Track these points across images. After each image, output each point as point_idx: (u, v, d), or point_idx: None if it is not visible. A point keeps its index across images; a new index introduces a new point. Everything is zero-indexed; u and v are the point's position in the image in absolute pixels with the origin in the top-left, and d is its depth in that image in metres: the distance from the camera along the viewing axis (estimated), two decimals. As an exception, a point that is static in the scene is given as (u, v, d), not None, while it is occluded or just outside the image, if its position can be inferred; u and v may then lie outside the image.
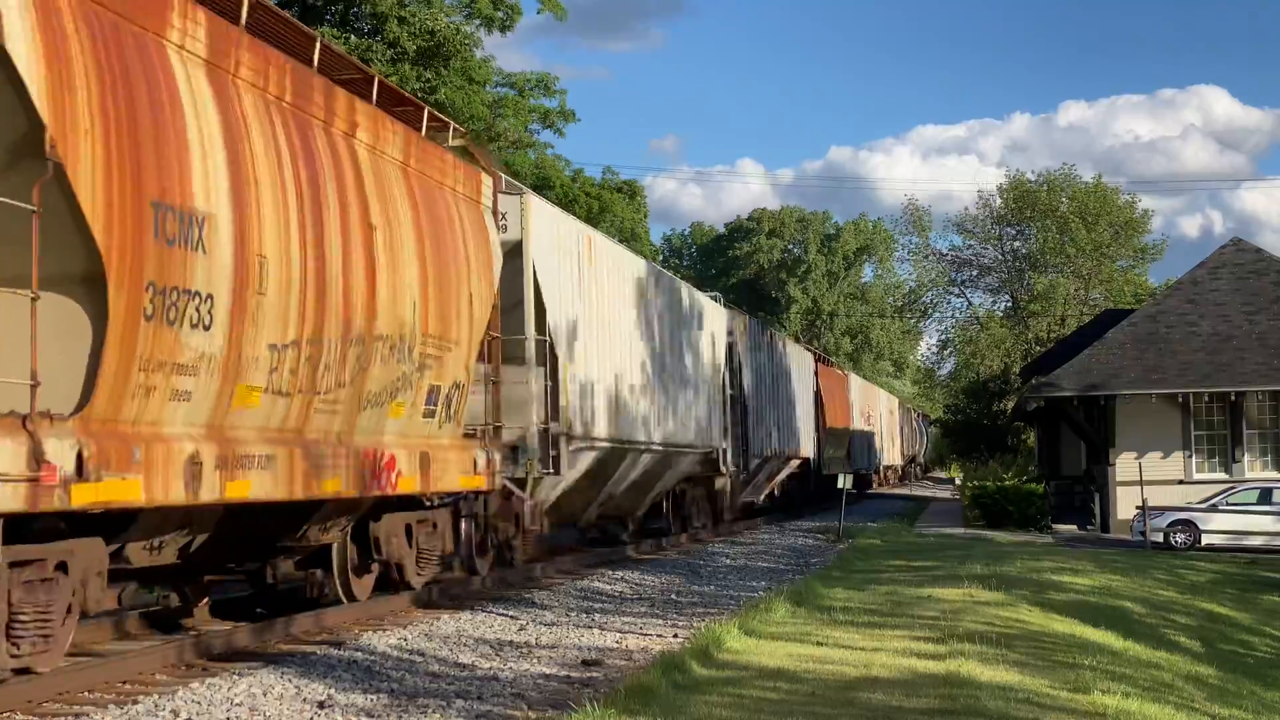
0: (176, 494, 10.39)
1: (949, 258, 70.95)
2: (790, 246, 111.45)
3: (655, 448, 24.45)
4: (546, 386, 18.79)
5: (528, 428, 18.30)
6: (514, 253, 18.28)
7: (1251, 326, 36.32)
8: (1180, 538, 30.94)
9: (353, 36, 35.71)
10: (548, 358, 18.93)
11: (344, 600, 14.98)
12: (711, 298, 32.02)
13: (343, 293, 12.87)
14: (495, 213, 17.37)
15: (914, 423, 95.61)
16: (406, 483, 14.44)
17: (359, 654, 12.41)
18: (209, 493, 10.81)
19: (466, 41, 37.57)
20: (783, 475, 40.95)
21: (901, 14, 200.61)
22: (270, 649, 12.70)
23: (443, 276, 15.05)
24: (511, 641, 13.74)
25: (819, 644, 13.16)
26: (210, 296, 10.70)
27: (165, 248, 10.12)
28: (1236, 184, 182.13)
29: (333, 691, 10.74)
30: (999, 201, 67.58)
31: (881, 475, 72.57)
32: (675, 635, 14.46)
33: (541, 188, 36.67)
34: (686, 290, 29.00)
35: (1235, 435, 35.34)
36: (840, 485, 33.52)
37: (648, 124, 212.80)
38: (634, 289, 24.09)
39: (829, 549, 28.13)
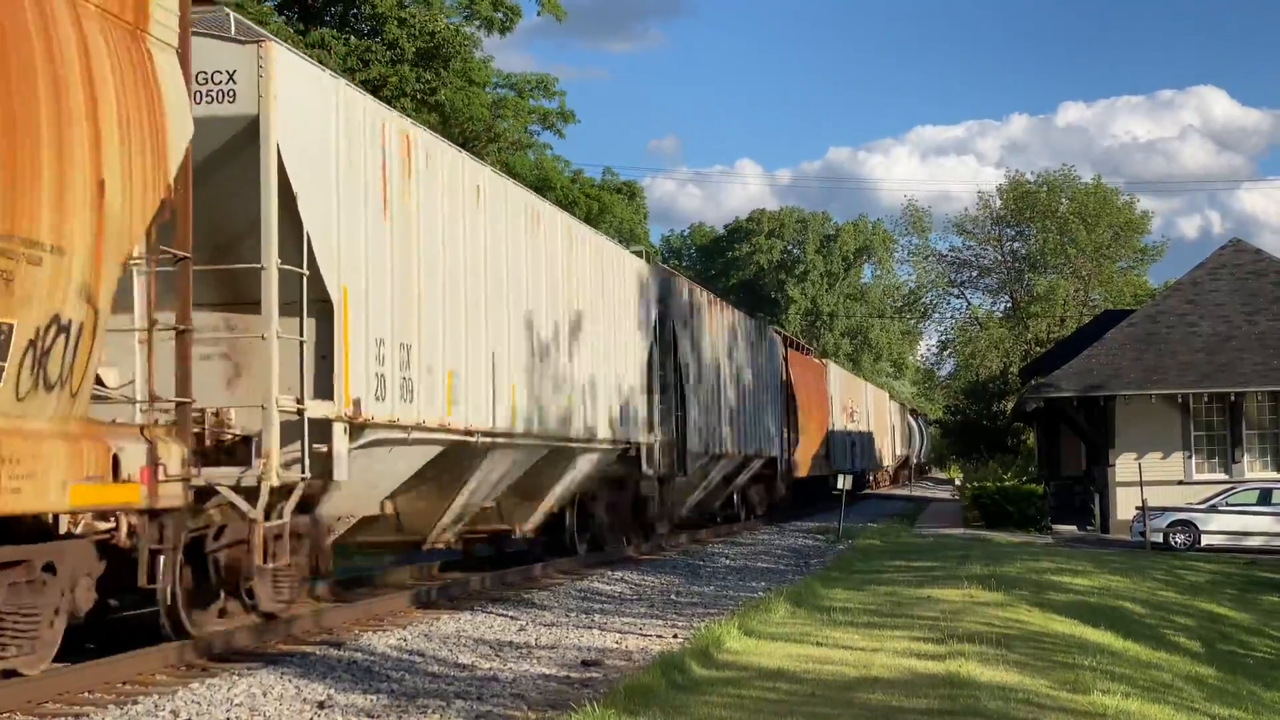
0: None
1: (949, 258, 71.00)
2: (790, 247, 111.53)
3: (527, 441, 18.22)
4: (306, 345, 12.73)
5: (268, 408, 12.27)
6: (247, 135, 12.35)
7: (1251, 327, 36.32)
8: (1180, 538, 30.93)
9: (352, 37, 35.72)
10: (310, 304, 12.77)
11: None
12: (636, 253, 25.31)
13: None
14: (184, 59, 11.16)
15: (908, 421, 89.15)
16: None
17: (358, 654, 12.41)
18: None
19: (466, 43, 37.55)
20: (743, 478, 34.86)
21: (900, 15, 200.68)
22: (270, 649, 12.69)
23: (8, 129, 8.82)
24: (511, 642, 13.74)
25: (819, 644, 13.16)
26: None
27: None
28: (1235, 185, 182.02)
29: (332, 692, 10.74)
30: (998, 202, 67.63)
31: (872, 479, 67.77)
32: (675, 635, 14.46)
33: (541, 188, 36.63)
34: (598, 239, 22.60)
35: (1235, 436, 35.34)
36: (840, 486, 33.53)
37: (647, 125, 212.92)
38: (508, 223, 17.74)
39: (829, 549, 28.13)
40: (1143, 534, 30.31)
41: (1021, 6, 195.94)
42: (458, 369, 15.91)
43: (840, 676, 11.32)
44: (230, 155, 12.34)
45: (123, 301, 11.12)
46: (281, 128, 12.33)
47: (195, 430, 11.59)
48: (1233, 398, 35.01)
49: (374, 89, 30.13)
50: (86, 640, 11.97)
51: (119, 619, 12.95)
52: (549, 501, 20.67)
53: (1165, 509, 31.42)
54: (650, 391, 24.55)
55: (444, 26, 36.60)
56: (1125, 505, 33.91)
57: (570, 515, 22.23)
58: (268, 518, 12.44)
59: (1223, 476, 34.61)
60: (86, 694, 10.45)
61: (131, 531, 10.81)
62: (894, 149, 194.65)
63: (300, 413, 12.60)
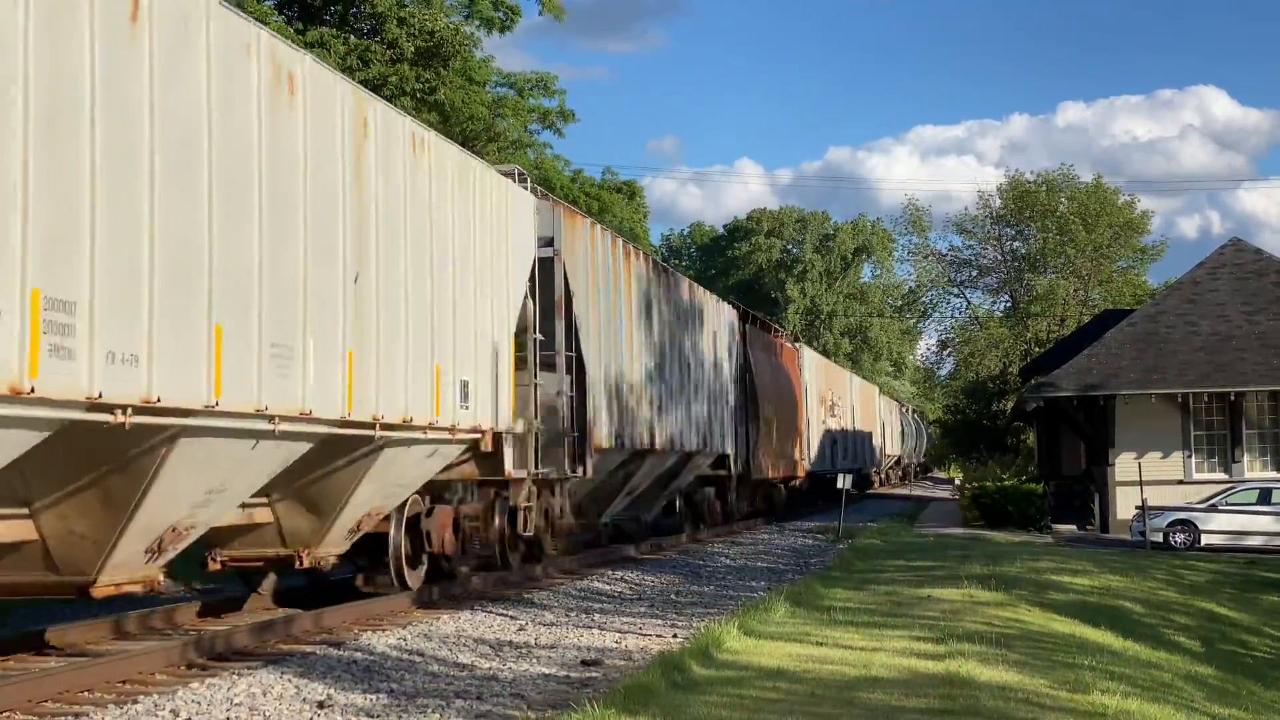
0: None
1: (949, 258, 71.03)
2: (790, 246, 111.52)
3: (279, 432, 11.74)
4: None
5: None
6: None
7: (1251, 326, 36.32)
8: (1180, 538, 30.92)
9: (352, 37, 35.72)
10: None
11: None
12: (505, 173, 18.21)
13: None
14: None
15: (902, 418, 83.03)
16: None
17: (358, 654, 12.41)
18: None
19: (466, 42, 37.55)
20: (684, 481, 28.55)
21: (900, 15, 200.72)
22: (270, 649, 12.70)
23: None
24: (511, 642, 13.74)
25: (819, 644, 13.15)
26: None
27: None
28: (1235, 184, 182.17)
29: (332, 691, 10.74)
30: (998, 202, 67.66)
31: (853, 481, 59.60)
32: (675, 635, 14.45)
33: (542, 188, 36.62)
34: (438, 141, 15.60)
35: (1235, 435, 35.33)
36: (840, 486, 33.49)
37: (647, 124, 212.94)
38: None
39: (829, 549, 28.11)
40: (1143, 533, 30.30)
41: (1021, 6, 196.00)
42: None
43: (840, 676, 11.31)
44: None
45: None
46: None
47: None
48: (1233, 397, 35.00)
49: (374, 88, 30.10)
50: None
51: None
52: (354, 514, 14.58)
53: (1165, 508, 31.41)
54: (523, 364, 18.02)
55: (444, 26, 36.60)
56: (1125, 505, 33.90)
57: (398, 536, 16.03)
58: None
59: (1223, 476, 34.60)
60: (86, 694, 10.45)
61: None
62: (894, 149, 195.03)
63: None
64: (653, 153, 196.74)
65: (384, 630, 13.98)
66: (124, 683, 10.87)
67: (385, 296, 13.75)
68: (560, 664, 12.49)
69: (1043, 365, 43.69)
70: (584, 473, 19.93)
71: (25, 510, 10.50)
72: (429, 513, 16.65)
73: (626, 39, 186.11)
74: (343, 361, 12.80)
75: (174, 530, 11.39)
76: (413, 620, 14.88)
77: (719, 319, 31.35)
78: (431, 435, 15.09)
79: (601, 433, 20.88)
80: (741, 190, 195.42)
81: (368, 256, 13.46)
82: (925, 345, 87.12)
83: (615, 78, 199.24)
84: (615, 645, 13.77)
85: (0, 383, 8.42)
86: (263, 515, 13.80)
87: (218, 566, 14.17)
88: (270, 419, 11.49)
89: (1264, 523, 30.62)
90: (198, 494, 11.43)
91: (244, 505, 13.13)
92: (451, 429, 15.44)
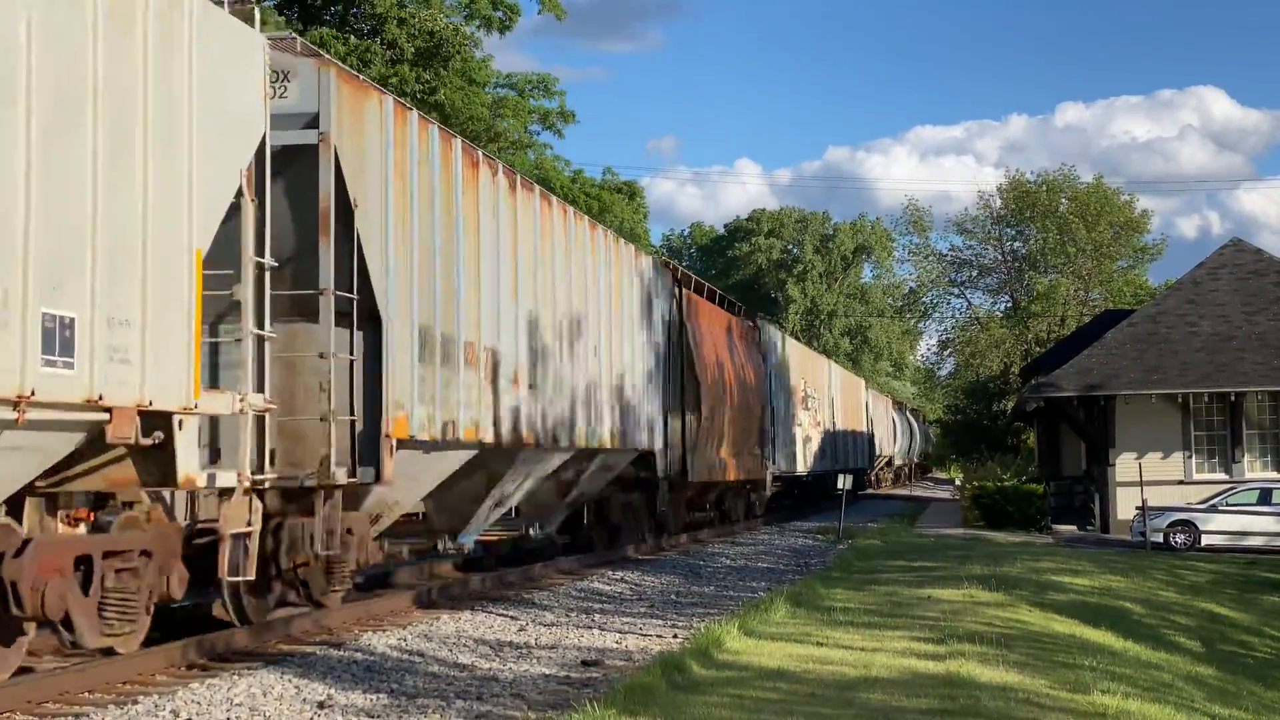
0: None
1: (949, 258, 71.01)
2: (789, 246, 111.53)
3: None
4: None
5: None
6: None
7: (1251, 327, 36.31)
8: (1180, 538, 30.91)
9: (352, 37, 35.73)
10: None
11: None
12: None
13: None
14: None
15: (894, 415, 77.18)
16: None
17: (359, 654, 12.41)
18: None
19: (466, 42, 37.57)
20: (592, 488, 22.55)
21: (899, 15, 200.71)
22: (270, 649, 12.70)
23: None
24: (511, 642, 13.74)
25: (819, 644, 13.16)
26: None
27: None
28: (1234, 185, 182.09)
29: (333, 691, 10.74)
30: (998, 202, 67.64)
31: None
32: (675, 636, 14.45)
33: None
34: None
35: (1235, 435, 35.32)
36: (840, 486, 33.50)
37: (646, 125, 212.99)
38: None
39: (829, 549, 28.12)
40: (1143, 534, 30.29)
41: (1021, 6, 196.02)
42: None
43: (840, 676, 11.31)
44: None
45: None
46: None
47: None
48: (1233, 397, 34.99)
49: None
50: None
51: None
52: None
53: (1165, 509, 31.39)
54: (250, 301, 11.87)
55: (444, 26, 36.63)
56: (1125, 505, 33.88)
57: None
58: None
59: (1223, 476, 34.58)
60: (86, 694, 10.45)
61: None
62: (893, 149, 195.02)
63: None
64: (652, 153, 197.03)
65: (384, 630, 13.97)
66: (124, 683, 10.87)
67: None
68: (560, 664, 12.49)
69: (1043, 365, 43.66)
70: (377, 476, 13.78)
71: None
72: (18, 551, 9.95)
73: (625, 39, 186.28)
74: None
75: None
76: (413, 620, 14.88)
77: (642, 278, 24.28)
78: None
79: (412, 417, 14.36)
80: (741, 190, 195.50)
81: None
82: (926, 345, 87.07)
83: (614, 78, 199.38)
84: (615, 645, 13.77)
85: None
86: None
87: None
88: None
89: (1264, 523, 30.61)
90: None
91: None
92: (20, 400, 8.79)
